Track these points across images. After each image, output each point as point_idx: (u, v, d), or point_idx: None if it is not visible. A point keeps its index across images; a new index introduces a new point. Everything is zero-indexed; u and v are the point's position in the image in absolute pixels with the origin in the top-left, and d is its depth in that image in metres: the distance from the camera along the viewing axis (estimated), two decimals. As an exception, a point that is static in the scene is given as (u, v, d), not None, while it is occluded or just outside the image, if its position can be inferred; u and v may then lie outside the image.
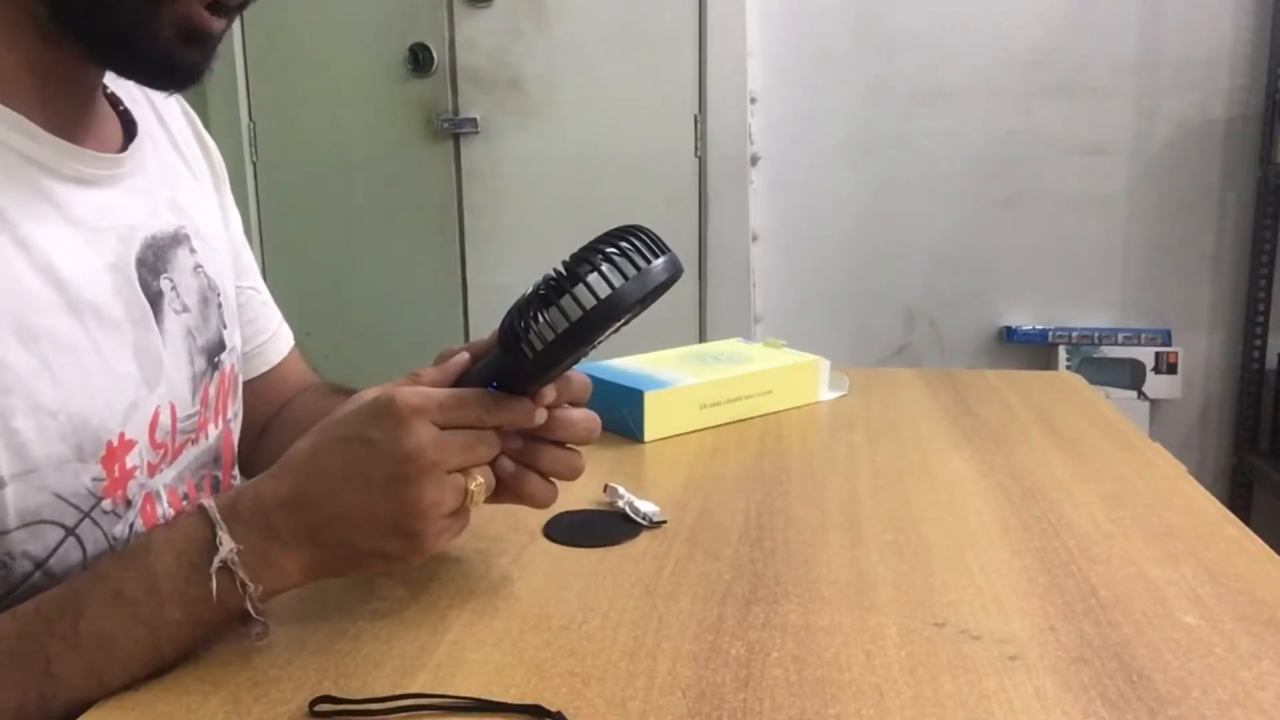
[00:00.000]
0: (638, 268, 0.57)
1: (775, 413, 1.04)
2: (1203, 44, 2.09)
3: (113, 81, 0.72)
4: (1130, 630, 0.59)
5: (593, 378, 1.00)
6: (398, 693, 0.52)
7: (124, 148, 0.70)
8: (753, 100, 2.21)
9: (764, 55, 2.20)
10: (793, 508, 0.78)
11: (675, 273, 0.59)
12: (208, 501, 0.56)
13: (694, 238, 2.22)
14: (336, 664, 0.56)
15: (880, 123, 2.21)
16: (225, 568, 0.54)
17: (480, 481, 0.59)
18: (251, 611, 0.55)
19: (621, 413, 0.96)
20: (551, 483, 0.66)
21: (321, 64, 2.30)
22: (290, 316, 0.95)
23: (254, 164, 2.35)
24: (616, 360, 1.05)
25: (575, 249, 0.58)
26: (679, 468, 0.89)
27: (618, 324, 0.58)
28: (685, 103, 2.20)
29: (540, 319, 0.56)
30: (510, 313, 0.58)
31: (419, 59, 2.24)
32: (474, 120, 2.25)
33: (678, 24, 2.17)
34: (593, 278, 0.56)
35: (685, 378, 0.99)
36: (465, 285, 2.32)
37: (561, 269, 0.57)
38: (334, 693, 0.52)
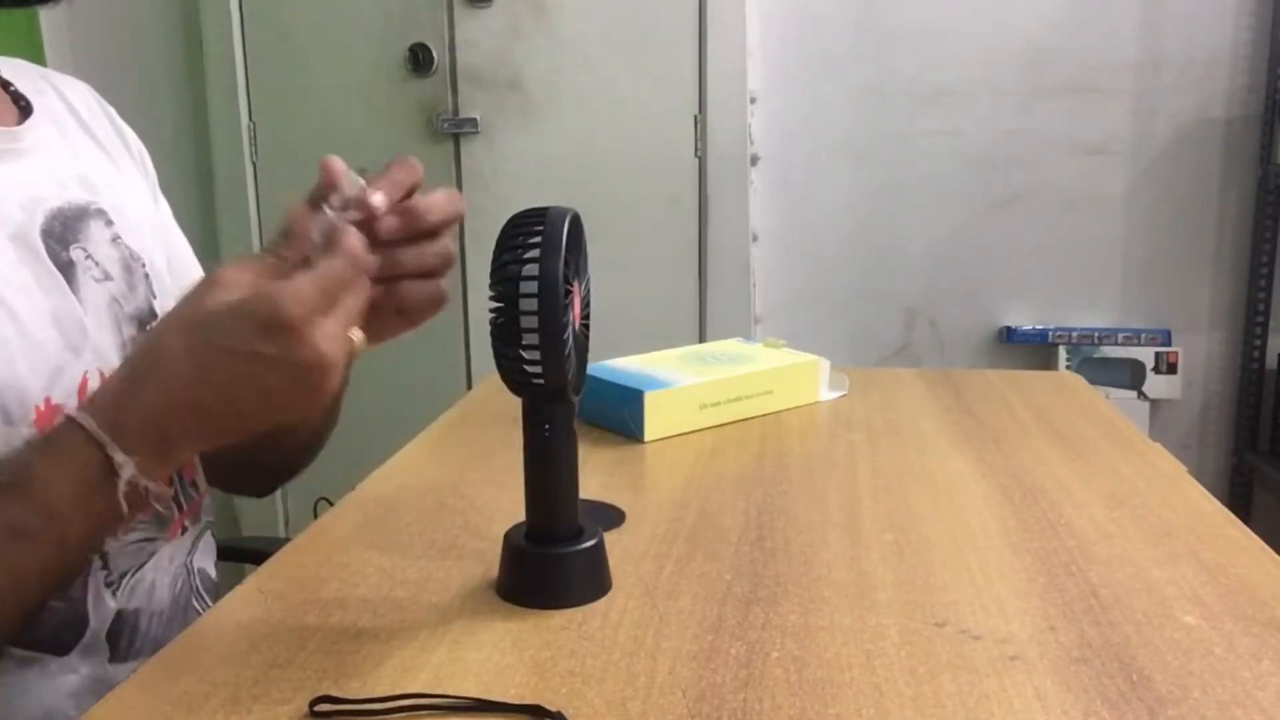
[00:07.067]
0: (540, 234, 0.58)
1: (775, 413, 1.04)
2: (1203, 44, 2.09)
3: (6, 67, 0.74)
4: (1130, 630, 0.59)
5: (593, 378, 1.01)
6: (398, 693, 0.52)
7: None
8: (753, 100, 2.21)
9: (764, 55, 2.20)
10: (793, 508, 0.78)
11: (567, 213, 0.59)
12: (82, 418, 0.56)
13: (694, 238, 2.22)
14: (336, 664, 0.56)
15: (880, 123, 2.21)
16: (131, 484, 0.55)
17: (361, 335, 0.59)
18: (154, 503, 0.58)
19: (621, 413, 0.96)
20: (432, 282, 0.65)
21: (321, 64, 2.29)
22: (290, 316, 0.95)
23: (254, 164, 2.35)
24: (616, 360, 1.05)
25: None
26: (679, 468, 0.89)
27: (576, 286, 0.60)
28: (685, 103, 2.19)
29: (521, 348, 0.58)
30: (500, 368, 0.60)
31: (419, 59, 2.23)
32: (474, 120, 2.24)
33: (678, 24, 2.17)
34: (521, 277, 0.57)
35: (685, 378, 0.99)
36: (465, 285, 2.32)
37: (492, 294, 0.59)
38: (334, 693, 0.52)
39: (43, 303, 0.65)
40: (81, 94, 0.82)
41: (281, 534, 2.36)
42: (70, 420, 0.56)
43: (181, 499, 0.76)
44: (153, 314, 0.76)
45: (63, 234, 0.69)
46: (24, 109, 0.73)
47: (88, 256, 0.71)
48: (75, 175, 0.74)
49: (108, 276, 0.72)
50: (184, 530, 0.76)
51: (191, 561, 0.79)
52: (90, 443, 0.55)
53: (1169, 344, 2.19)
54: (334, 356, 0.55)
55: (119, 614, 0.69)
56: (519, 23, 2.20)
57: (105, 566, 0.68)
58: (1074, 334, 2.20)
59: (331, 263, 0.56)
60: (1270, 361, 2.15)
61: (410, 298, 0.64)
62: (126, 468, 0.55)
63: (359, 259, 0.57)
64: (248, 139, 2.33)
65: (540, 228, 0.58)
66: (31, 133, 0.71)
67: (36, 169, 0.70)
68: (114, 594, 0.69)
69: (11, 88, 0.74)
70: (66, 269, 0.68)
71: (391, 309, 0.64)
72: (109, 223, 0.74)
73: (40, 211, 0.68)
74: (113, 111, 0.85)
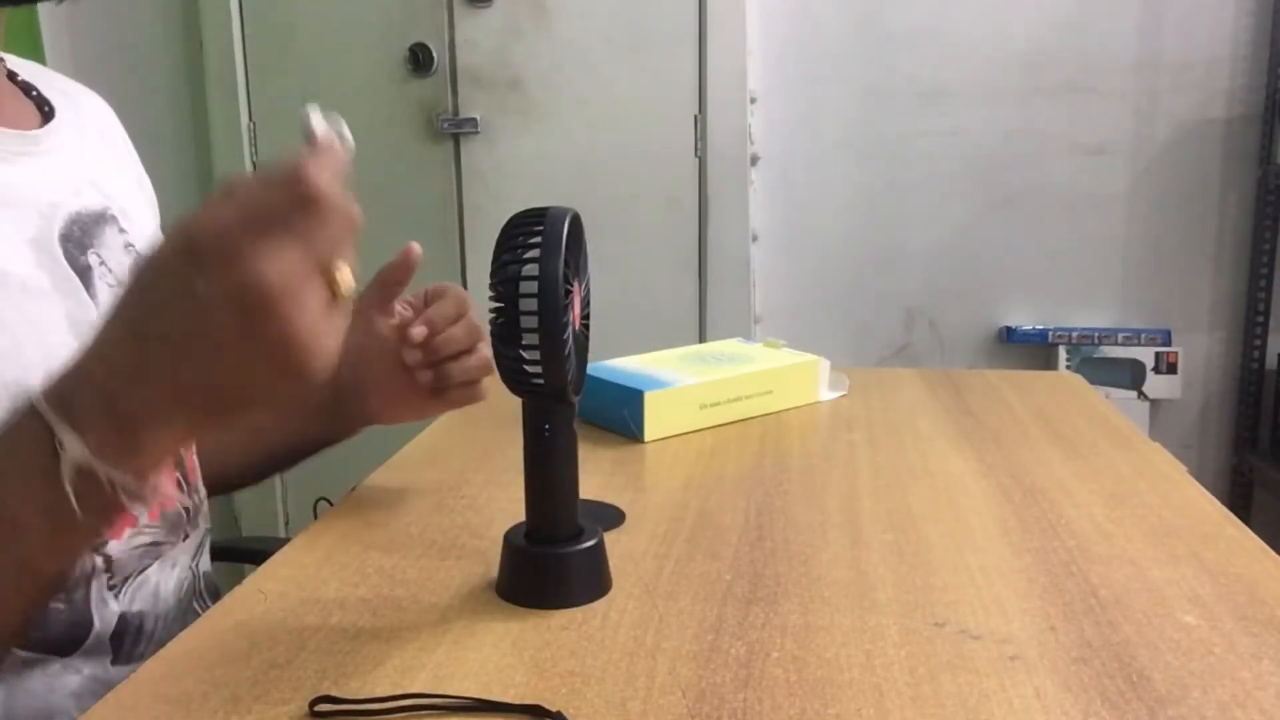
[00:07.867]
0: (540, 234, 0.58)
1: (775, 413, 1.04)
2: (1203, 44, 2.09)
3: (30, 70, 0.74)
4: (1130, 630, 0.59)
5: (593, 378, 1.01)
6: (398, 693, 0.52)
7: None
8: (753, 100, 2.21)
9: (764, 55, 2.20)
10: (793, 508, 0.78)
11: (567, 213, 0.59)
12: (40, 403, 0.48)
13: (694, 238, 2.22)
14: (336, 664, 0.56)
15: (880, 123, 2.21)
16: (82, 470, 0.47)
17: (344, 267, 0.48)
18: (125, 501, 0.48)
19: (621, 413, 0.96)
20: (474, 383, 0.78)
21: (321, 64, 2.29)
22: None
23: (254, 164, 2.35)
24: (616, 360, 1.05)
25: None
26: (679, 468, 0.89)
27: (576, 286, 0.60)
28: (685, 103, 2.19)
29: (521, 348, 0.58)
30: (500, 368, 0.60)
31: (419, 59, 2.23)
32: (474, 120, 2.24)
33: (678, 24, 2.17)
34: (521, 277, 0.57)
35: (685, 378, 0.99)
36: (465, 286, 2.32)
37: (492, 295, 0.59)
38: (334, 693, 0.52)
39: (59, 307, 0.65)
40: (102, 108, 0.83)
41: (281, 534, 2.36)
42: (31, 402, 0.49)
43: (190, 505, 0.77)
44: None
45: (81, 239, 0.69)
46: (47, 114, 0.74)
47: (102, 262, 0.71)
48: (90, 180, 0.74)
49: (120, 283, 0.72)
50: (186, 536, 0.76)
51: (197, 565, 0.79)
52: (37, 418, 0.47)
53: (1169, 344, 2.19)
54: (280, 280, 0.45)
55: (122, 617, 0.69)
56: (519, 23, 2.20)
57: (108, 570, 0.68)
58: (1074, 334, 2.20)
59: (273, 179, 0.47)
60: (1270, 361, 2.15)
61: (455, 398, 0.77)
62: (73, 447, 0.46)
63: (307, 184, 0.47)
64: (248, 139, 2.33)
65: (540, 228, 0.58)
66: (51, 137, 0.71)
67: (54, 172, 0.70)
68: (117, 597, 0.69)
69: (35, 92, 0.75)
70: (84, 274, 0.68)
71: (427, 390, 0.75)
72: (121, 229, 0.75)
73: (59, 216, 0.68)
74: (134, 150, 0.86)
